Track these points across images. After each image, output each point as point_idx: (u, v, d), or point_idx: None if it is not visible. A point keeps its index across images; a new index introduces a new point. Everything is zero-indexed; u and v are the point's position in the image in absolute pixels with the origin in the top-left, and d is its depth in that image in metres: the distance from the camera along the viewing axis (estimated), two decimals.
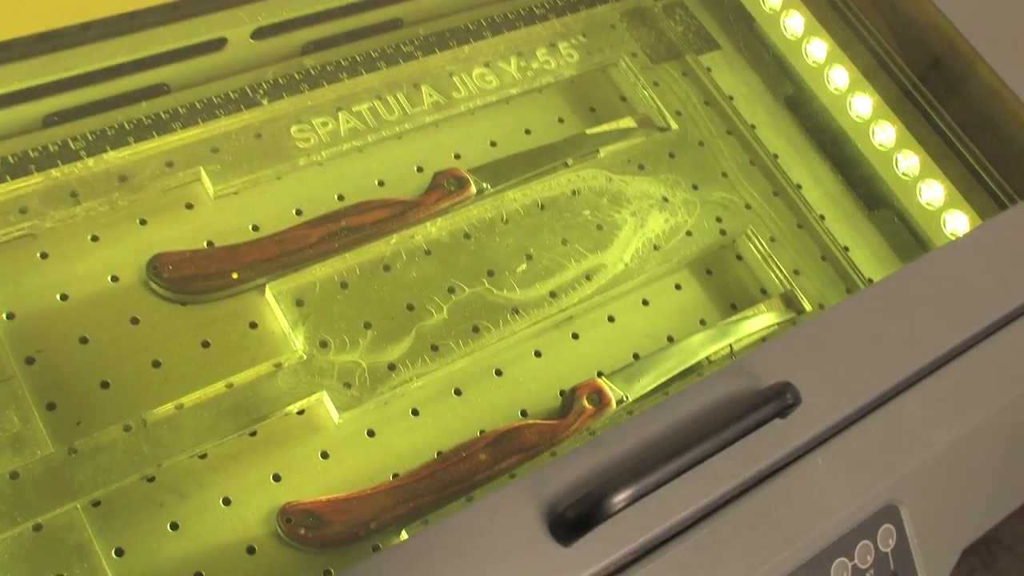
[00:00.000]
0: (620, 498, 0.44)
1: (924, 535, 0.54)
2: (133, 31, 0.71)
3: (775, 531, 0.50)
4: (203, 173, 0.70)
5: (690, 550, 0.48)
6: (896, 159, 0.83)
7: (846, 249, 0.82)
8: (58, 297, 0.65)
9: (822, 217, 0.83)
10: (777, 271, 0.79)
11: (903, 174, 0.83)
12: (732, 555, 0.48)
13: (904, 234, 0.84)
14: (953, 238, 0.78)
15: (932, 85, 0.82)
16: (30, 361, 0.62)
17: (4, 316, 0.63)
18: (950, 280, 0.62)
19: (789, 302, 0.78)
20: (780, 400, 0.49)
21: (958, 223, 0.81)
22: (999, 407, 0.59)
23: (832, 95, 0.86)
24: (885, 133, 0.84)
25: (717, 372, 0.52)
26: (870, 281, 0.80)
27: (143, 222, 0.69)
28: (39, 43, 0.68)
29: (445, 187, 0.74)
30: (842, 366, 0.56)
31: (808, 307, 0.77)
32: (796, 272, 0.80)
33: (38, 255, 0.66)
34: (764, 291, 0.79)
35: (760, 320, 0.76)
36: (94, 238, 0.67)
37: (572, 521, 0.45)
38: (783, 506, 0.50)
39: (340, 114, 0.75)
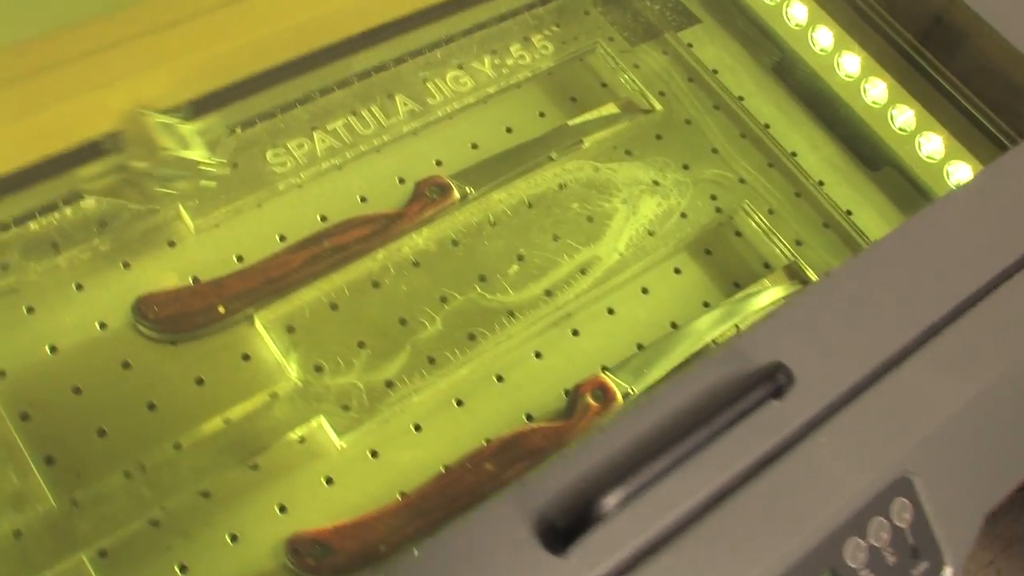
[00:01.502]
0: (611, 500, 0.42)
1: (942, 505, 0.52)
2: None
3: (780, 517, 0.48)
4: (182, 209, 0.70)
5: (693, 546, 0.46)
6: (891, 115, 0.81)
7: (848, 213, 0.80)
8: (47, 350, 0.64)
9: (821, 183, 0.81)
10: (779, 243, 0.77)
11: (900, 129, 0.81)
12: (736, 547, 0.46)
13: (909, 191, 0.81)
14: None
15: (919, 34, 0.79)
16: (24, 417, 0.62)
17: None
18: (950, 233, 0.59)
19: (794, 274, 0.75)
20: (771, 382, 0.47)
21: (962, 174, 0.78)
22: (1011, 362, 0.56)
23: (819, 57, 0.84)
24: (877, 89, 0.81)
25: (706, 360, 0.50)
26: None
27: (126, 265, 0.68)
28: None
29: (427, 196, 0.72)
30: (840, 337, 0.53)
31: (814, 277, 0.75)
32: (799, 243, 0.78)
33: (24, 310, 0.65)
34: (767, 265, 0.77)
35: (766, 296, 0.74)
36: (79, 286, 0.67)
37: (563, 530, 0.43)
38: (787, 491, 0.48)
39: (315, 134, 0.74)
